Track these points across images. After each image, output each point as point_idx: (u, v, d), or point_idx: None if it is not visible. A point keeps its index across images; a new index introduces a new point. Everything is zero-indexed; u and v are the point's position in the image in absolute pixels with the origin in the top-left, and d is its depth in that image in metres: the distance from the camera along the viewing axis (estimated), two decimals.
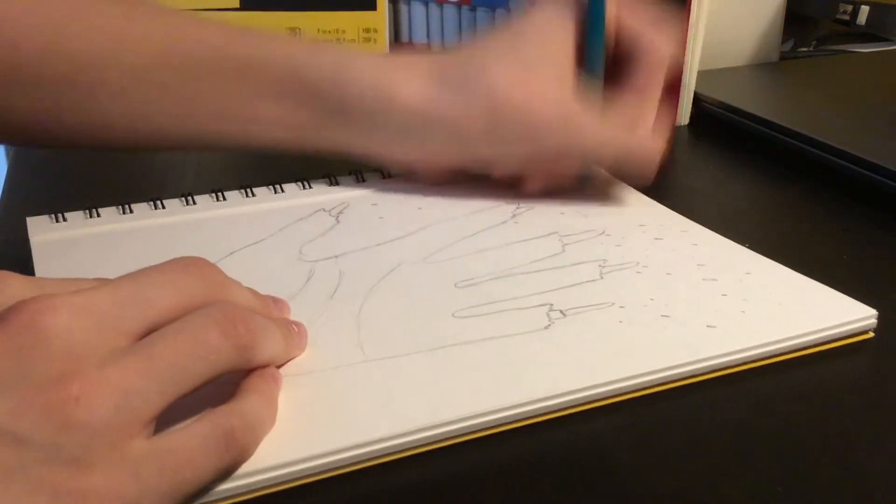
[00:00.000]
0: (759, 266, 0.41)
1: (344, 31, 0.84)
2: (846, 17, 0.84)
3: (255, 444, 0.28)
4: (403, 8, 0.88)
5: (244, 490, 0.28)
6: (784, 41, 0.78)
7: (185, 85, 0.43)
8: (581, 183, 0.48)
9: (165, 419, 0.27)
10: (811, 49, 0.85)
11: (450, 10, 0.86)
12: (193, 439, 0.26)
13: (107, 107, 0.43)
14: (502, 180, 0.47)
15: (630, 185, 0.49)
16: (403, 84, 0.44)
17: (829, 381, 0.34)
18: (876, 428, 0.32)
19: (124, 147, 0.47)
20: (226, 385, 0.29)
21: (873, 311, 0.37)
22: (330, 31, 0.84)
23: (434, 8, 0.87)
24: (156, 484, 0.25)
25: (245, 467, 0.27)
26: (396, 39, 0.89)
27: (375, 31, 0.85)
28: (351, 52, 0.45)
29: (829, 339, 0.36)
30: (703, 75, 0.64)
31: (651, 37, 0.47)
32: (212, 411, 0.28)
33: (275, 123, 0.44)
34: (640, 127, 0.46)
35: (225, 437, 0.27)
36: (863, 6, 0.82)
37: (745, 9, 0.72)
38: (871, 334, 0.37)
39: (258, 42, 0.44)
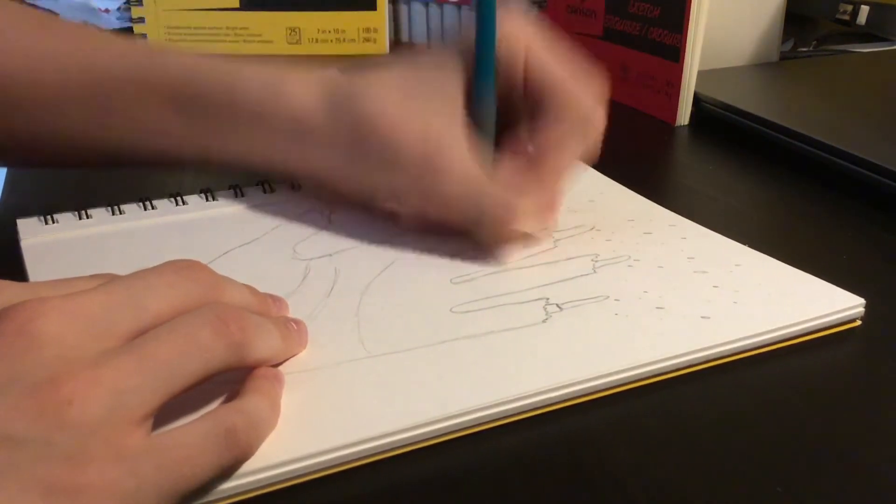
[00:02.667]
0: (747, 258, 0.41)
1: (344, 31, 0.85)
2: (846, 17, 0.84)
3: (258, 442, 0.28)
4: (403, 8, 0.88)
5: (249, 487, 0.28)
6: (784, 41, 0.78)
7: (95, 98, 0.43)
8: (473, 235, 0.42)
9: (168, 418, 0.27)
10: (811, 49, 0.85)
11: (450, 10, 0.87)
12: (193, 437, 0.26)
13: (29, 124, 0.43)
14: (381, 213, 0.44)
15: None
16: (292, 89, 0.43)
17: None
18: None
19: (59, 165, 0.47)
20: (229, 385, 0.29)
21: (861, 300, 0.37)
22: (330, 31, 0.84)
23: (434, 8, 0.87)
24: (153, 480, 0.25)
25: (250, 465, 0.28)
26: (396, 39, 0.89)
27: (375, 31, 0.85)
28: (247, 60, 0.45)
29: (818, 327, 0.36)
30: (703, 75, 0.64)
31: (572, 87, 0.42)
32: (214, 410, 0.28)
33: (178, 136, 0.44)
34: (537, 191, 0.41)
35: (226, 435, 0.27)
36: (863, 6, 0.82)
37: (745, 9, 0.73)
38: (859, 322, 0.37)
39: (155, 55, 0.44)
